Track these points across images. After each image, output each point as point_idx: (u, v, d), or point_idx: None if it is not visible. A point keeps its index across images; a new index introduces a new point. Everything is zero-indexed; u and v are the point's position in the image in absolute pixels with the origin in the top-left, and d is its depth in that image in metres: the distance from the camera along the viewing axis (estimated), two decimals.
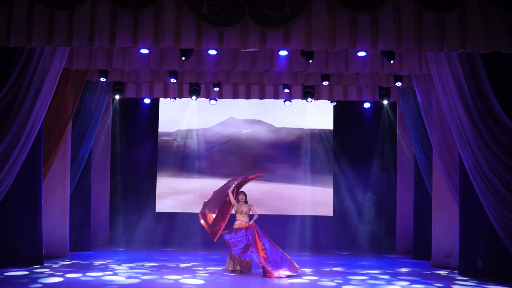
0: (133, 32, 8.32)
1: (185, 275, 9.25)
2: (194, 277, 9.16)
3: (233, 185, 10.03)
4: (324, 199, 14.20)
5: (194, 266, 10.41)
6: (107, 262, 10.56)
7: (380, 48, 8.41)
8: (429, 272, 10.19)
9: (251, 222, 9.81)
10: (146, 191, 14.13)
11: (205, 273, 9.61)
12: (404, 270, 10.47)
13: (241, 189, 10.13)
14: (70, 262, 10.33)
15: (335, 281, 9.00)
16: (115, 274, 9.25)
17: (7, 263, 9.53)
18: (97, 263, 10.41)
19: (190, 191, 14.18)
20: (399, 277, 9.52)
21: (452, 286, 8.83)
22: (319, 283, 8.87)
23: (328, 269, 10.37)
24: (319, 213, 14.14)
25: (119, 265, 10.24)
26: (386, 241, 13.72)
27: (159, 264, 10.53)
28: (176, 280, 8.87)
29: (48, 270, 9.38)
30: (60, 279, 8.63)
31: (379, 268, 10.62)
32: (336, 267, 10.64)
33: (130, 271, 9.58)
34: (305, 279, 9.21)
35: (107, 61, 10.21)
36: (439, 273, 10.09)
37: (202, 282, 8.76)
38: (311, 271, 10.00)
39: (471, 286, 8.82)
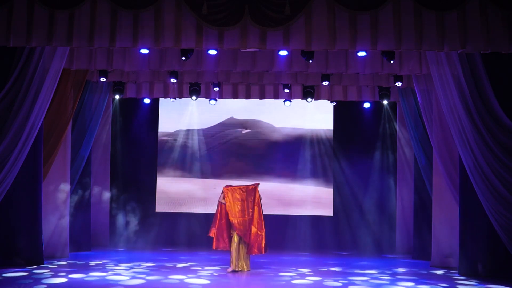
0: (133, 32, 8.31)
1: (188, 275, 9.25)
2: (198, 277, 9.16)
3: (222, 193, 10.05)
4: (324, 199, 14.19)
5: (193, 266, 10.40)
6: (107, 262, 10.57)
7: (380, 48, 8.40)
8: (429, 272, 10.19)
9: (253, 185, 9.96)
10: (146, 191, 14.12)
11: (208, 273, 9.61)
12: (404, 270, 10.47)
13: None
14: (66, 263, 10.33)
15: (340, 281, 8.99)
16: (116, 274, 9.25)
17: (7, 263, 9.52)
18: (93, 263, 10.42)
19: (190, 191, 14.18)
20: (399, 277, 9.52)
21: (452, 286, 8.82)
22: (323, 283, 8.87)
23: (326, 269, 10.38)
24: (319, 213, 14.14)
25: (117, 265, 10.24)
26: (386, 241, 13.72)
27: (159, 264, 10.54)
28: (181, 280, 8.88)
29: (48, 270, 9.38)
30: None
31: (379, 268, 10.62)
32: (336, 267, 10.65)
33: (131, 270, 9.58)
34: (308, 280, 9.19)
35: (107, 61, 10.20)
36: (439, 273, 10.09)
37: (207, 282, 8.78)
38: (310, 271, 10.01)
39: (471, 286, 8.82)
